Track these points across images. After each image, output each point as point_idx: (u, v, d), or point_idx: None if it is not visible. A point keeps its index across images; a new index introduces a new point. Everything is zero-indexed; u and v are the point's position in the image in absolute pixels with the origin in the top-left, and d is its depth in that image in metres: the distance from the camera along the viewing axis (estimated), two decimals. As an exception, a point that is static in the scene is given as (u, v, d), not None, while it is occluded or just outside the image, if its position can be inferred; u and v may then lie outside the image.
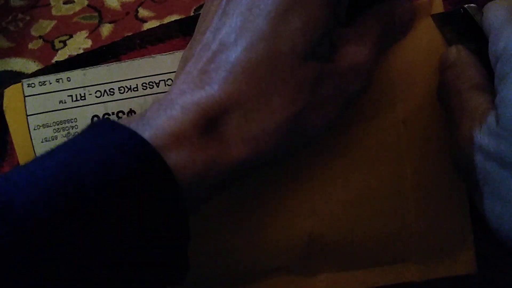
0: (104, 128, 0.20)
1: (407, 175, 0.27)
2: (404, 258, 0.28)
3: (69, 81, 0.27)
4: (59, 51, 0.43)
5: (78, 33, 0.45)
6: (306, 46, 0.21)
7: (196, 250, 0.21)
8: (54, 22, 0.46)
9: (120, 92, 0.27)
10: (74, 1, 0.48)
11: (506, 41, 0.21)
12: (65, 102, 0.27)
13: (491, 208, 0.22)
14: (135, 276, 0.19)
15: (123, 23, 0.44)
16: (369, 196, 0.27)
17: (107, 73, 0.27)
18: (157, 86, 0.27)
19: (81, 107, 0.27)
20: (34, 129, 0.27)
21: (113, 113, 0.27)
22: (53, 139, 0.27)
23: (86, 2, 0.47)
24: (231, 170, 0.21)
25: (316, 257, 0.28)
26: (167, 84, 0.27)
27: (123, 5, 0.46)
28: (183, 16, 0.43)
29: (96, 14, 0.46)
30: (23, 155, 0.27)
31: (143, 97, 0.27)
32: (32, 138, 0.27)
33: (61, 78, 0.27)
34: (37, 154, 0.26)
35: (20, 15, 0.48)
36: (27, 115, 0.27)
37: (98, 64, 0.27)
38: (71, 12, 0.47)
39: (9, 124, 0.27)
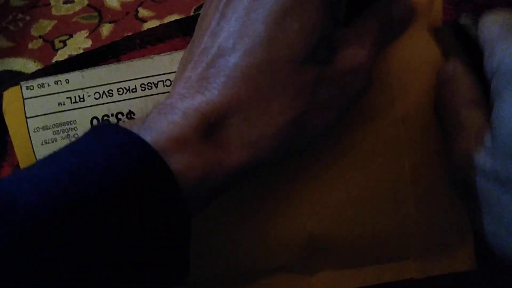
0: (107, 131, 0.20)
1: (407, 173, 0.27)
2: (404, 255, 0.28)
3: (68, 83, 0.27)
4: (59, 51, 0.44)
5: (78, 33, 0.45)
6: (305, 50, 0.21)
7: (197, 249, 0.21)
8: (54, 22, 0.46)
9: (118, 94, 0.27)
10: (74, 1, 0.48)
11: (499, 58, 0.21)
12: (64, 104, 0.27)
13: (487, 225, 0.21)
14: (136, 277, 0.19)
15: (123, 23, 0.44)
16: (368, 195, 0.27)
17: (106, 75, 0.27)
18: (156, 87, 0.27)
19: (80, 109, 0.27)
20: (34, 132, 0.27)
21: (112, 115, 0.27)
22: (52, 141, 0.27)
23: (86, 2, 0.47)
24: (231, 173, 0.21)
25: (316, 256, 0.28)
26: (166, 85, 0.27)
27: (123, 5, 0.46)
28: (183, 16, 0.43)
29: (96, 14, 0.46)
30: (23, 158, 0.27)
31: (142, 98, 0.27)
32: (32, 140, 0.27)
33: (59, 80, 0.27)
34: (37, 156, 0.27)
35: (20, 15, 0.48)
36: (27, 118, 0.27)
37: (98, 64, 0.27)
38: (71, 12, 0.47)
39: (8, 127, 0.27)
